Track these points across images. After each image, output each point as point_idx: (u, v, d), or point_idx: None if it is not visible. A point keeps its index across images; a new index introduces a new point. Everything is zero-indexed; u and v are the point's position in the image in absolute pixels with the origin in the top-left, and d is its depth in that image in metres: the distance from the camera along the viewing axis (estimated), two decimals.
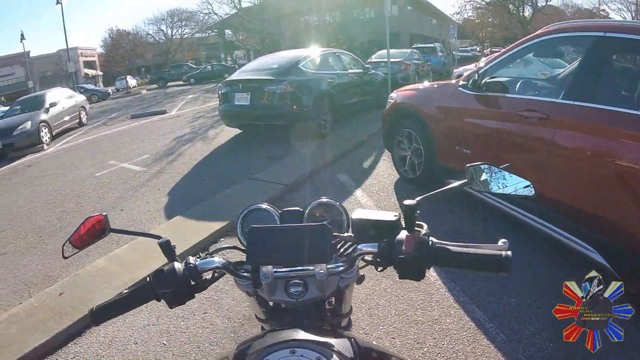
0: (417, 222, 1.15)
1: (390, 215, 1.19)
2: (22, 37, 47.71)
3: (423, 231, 1.13)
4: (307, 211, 1.44)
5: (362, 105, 11.16)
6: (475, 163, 1.26)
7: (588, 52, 3.83)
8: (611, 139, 3.38)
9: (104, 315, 1.15)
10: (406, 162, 5.95)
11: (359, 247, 1.16)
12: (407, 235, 1.09)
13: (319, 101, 9.05)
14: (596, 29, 3.86)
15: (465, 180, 1.28)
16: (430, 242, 1.08)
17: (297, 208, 1.45)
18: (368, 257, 1.18)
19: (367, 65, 12.45)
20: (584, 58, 3.91)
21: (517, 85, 4.63)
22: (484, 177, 1.27)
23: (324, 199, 1.46)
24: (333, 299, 1.28)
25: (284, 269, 1.16)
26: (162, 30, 63.43)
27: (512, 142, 4.29)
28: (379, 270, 1.17)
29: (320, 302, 1.21)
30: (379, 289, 3.65)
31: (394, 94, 6.33)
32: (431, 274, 3.78)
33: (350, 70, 10.86)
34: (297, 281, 1.17)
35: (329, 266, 1.12)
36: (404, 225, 1.16)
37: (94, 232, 1.38)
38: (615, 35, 3.67)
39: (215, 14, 49.73)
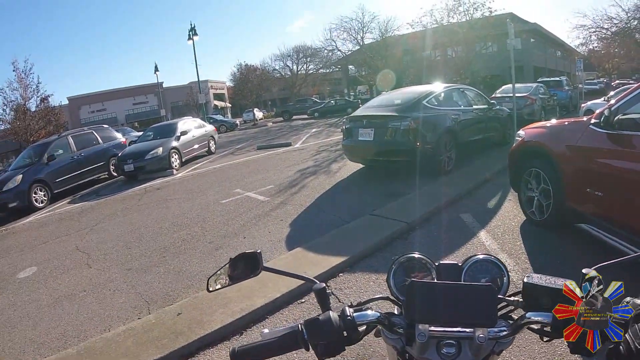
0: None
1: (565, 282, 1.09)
2: (156, 69, 51.85)
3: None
4: (466, 267, 1.35)
5: (487, 142, 10.91)
6: None
7: None
8: None
9: (245, 357, 1.08)
10: (533, 204, 5.71)
11: (527, 314, 1.10)
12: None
13: (443, 138, 8.97)
14: None
15: None
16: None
17: (455, 262, 1.37)
18: (535, 326, 1.11)
19: (491, 101, 12.19)
20: None
21: None
22: None
23: (484, 255, 1.36)
24: None
25: (441, 329, 1.10)
26: (287, 65, 66.20)
27: None
28: (544, 340, 1.10)
29: None
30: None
31: (521, 132, 6.13)
32: None
33: (474, 106, 10.67)
34: (451, 342, 1.12)
35: (492, 330, 1.08)
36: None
37: (245, 268, 1.38)
38: None
39: (339, 50, 51.35)
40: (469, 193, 7.74)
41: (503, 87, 19.46)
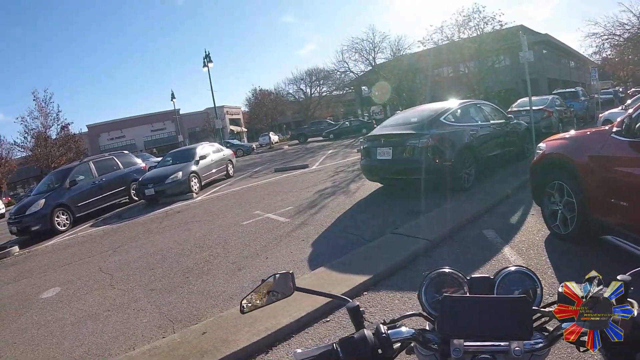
0: (628, 300, 1.06)
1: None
2: (173, 96, 52.54)
3: (635, 310, 1.02)
4: (498, 280, 1.34)
5: (506, 156, 10.86)
6: None
7: None
8: None
9: None
10: (557, 217, 5.62)
11: (563, 325, 1.06)
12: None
13: (461, 154, 8.97)
14: None
15: None
16: (610, 317, 0.99)
17: (487, 275, 1.37)
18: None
19: (509, 115, 12.15)
20: None
21: None
22: None
23: (517, 267, 1.36)
24: None
25: (476, 343, 1.09)
26: (301, 89, 66.97)
27: None
28: (581, 350, 1.07)
29: None
30: None
31: (542, 144, 6.07)
32: None
33: (492, 121, 10.65)
34: (487, 356, 1.09)
35: (527, 343, 1.08)
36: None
37: (278, 289, 1.37)
38: None
39: (352, 71, 51.62)
40: (490, 209, 7.67)
41: (519, 100, 19.44)
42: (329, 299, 1.32)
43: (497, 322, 1.05)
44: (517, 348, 1.05)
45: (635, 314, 1.01)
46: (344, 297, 1.29)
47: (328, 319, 4.43)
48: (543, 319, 1.22)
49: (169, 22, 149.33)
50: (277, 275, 1.38)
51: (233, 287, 5.76)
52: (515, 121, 11.97)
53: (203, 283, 6.11)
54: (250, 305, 1.38)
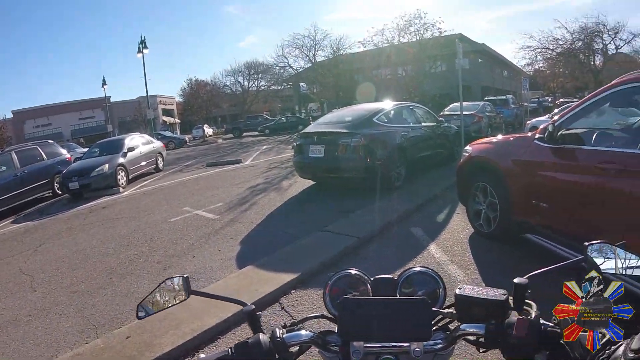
0: (526, 301, 1.11)
1: (498, 294, 1.13)
2: (104, 83, 50.45)
3: (533, 312, 1.07)
4: (401, 281, 1.35)
5: (436, 158, 11.13)
6: (593, 242, 1.15)
7: None
8: None
9: None
10: (481, 216, 5.86)
11: (462, 326, 1.11)
12: (518, 319, 1.02)
13: (393, 154, 9.13)
14: None
15: (582, 257, 1.15)
16: (543, 327, 1.01)
17: (390, 276, 1.36)
18: (471, 337, 1.12)
19: (440, 119, 12.47)
20: None
21: (594, 137, 4.53)
22: (600, 256, 1.14)
23: (420, 268, 1.37)
24: None
25: (376, 345, 1.09)
26: (239, 81, 65.49)
27: (590, 196, 4.22)
28: (481, 351, 1.12)
29: None
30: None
31: (468, 147, 6.31)
32: None
33: (423, 124, 10.91)
34: (389, 357, 1.09)
35: (427, 343, 1.09)
36: (512, 305, 1.10)
37: (173, 293, 1.35)
38: None
39: (291, 67, 51.40)
40: (419, 208, 7.85)
41: (451, 105, 19.96)
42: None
43: (397, 324, 1.05)
44: (417, 349, 1.06)
45: (533, 315, 1.04)
46: (240, 301, 1.27)
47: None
48: (446, 320, 1.23)
49: (103, 3, 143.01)
50: (173, 279, 1.36)
51: None
52: (446, 124, 12.32)
53: (127, 284, 5.88)
54: (146, 310, 1.33)
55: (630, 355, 0.78)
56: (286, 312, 4.39)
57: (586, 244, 1.15)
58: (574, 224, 4.42)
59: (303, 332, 1.16)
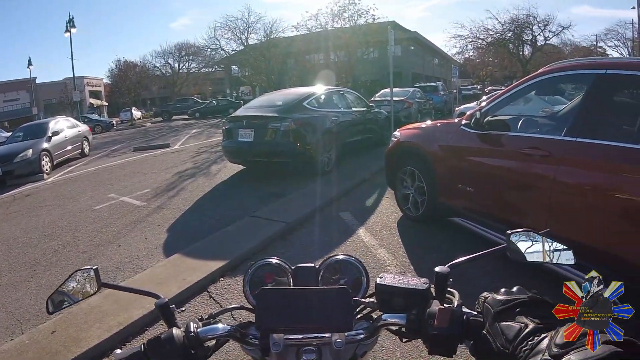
0: (449, 290, 1.08)
1: (420, 283, 1.07)
2: (29, 63, 48.56)
3: (455, 301, 1.05)
4: (322, 268, 1.32)
5: (366, 143, 11.22)
6: (515, 230, 1.16)
7: (590, 89, 3.92)
8: (615, 174, 3.46)
9: None
10: (409, 200, 5.95)
11: (383, 316, 1.08)
12: (439, 308, 0.99)
13: (322, 139, 9.10)
14: (598, 67, 3.99)
15: (504, 245, 1.16)
16: (465, 316, 0.98)
17: (312, 264, 1.33)
18: (393, 327, 1.09)
19: (370, 104, 12.58)
20: (586, 95, 4.00)
21: (519, 123, 4.70)
22: (523, 244, 1.15)
23: (342, 256, 1.34)
24: None
25: (297, 336, 1.06)
26: (169, 63, 63.42)
27: (515, 180, 4.35)
28: (403, 341, 1.09)
29: None
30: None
31: (397, 133, 6.37)
32: None
33: (354, 109, 10.95)
34: (311, 348, 1.07)
35: (349, 334, 1.06)
36: (434, 294, 1.07)
37: (83, 286, 1.27)
38: (617, 72, 3.81)
39: (223, 49, 50.21)
40: (348, 192, 7.90)
41: (382, 91, 20.21)
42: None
43: (317, 314, 1.00)
44: (338, 340, 1.03)
45: (455, 305, 1.01)
46: (152, 293, 1.19)
47: (183, 309, 4.19)
48: (367, 309, 1.19)
49: None
50: (82, 271, 1.25)
51: None
52: (376, 110, 12.47)
53: (52, 276, 5.53)
54: (54, 304, 1.25)
55: (555, 350, 0.75)
56: (215, 300, 4.30)
57: (508, 232, 1.15)
58: (499, 208, 4.57)
59: (220, 325, 1.11)
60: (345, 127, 10.12)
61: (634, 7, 39.27)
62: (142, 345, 1.03)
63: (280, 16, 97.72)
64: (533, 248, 1.14)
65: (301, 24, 36.50)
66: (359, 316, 1.18)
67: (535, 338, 0.83)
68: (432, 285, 1.08)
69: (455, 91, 31.24)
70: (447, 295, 1.07)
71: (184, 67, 63.26)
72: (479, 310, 0.99)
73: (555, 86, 5.62)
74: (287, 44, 40.24)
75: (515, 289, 0.96)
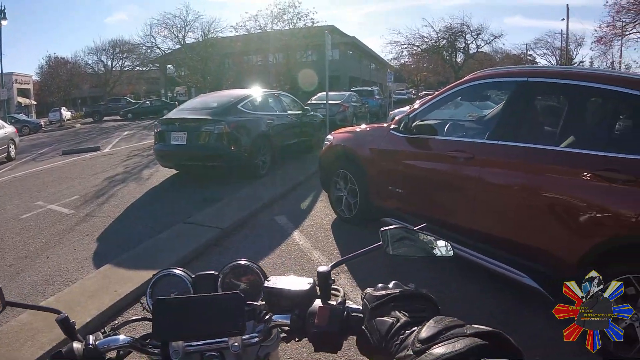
0: (333, 287, 1.11)
1: (304, 283, 1.11)
2: None
3: (339, 298, 1.08)
4: (222, 275, 1.35)
5: (301, 146, 11.29)
6: (390, 227, 1.20)
7: (512, 95, 4.22)
8: (533, 174, 3.71)
9: None
10: (342, 202, 6.07)
11: (273, 317, 1.11)
12: (319, 307, 1.02)
13: (257, 142, 9.08)
14: (519, 75, 4.29)
15: (380, 243, 1.19)
16: (345, 313, 1.01)
17: (212, 272, 1.36)
18: (284, 327, 1.11)
19: (306, 107, 12.66)
20: (508, 101, 4.32)
21: (446, 128, 4.97)
22: (399, 239, 1.20)
23: (241, 261, 1.37)
24: None
25: (196, 343, 1.08)
26: (102, 60, 60.69)
27: (442, 181, 4.55)
28: (296, 340, 1.10)
29: None
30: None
31: (330, 136, 6.52)
32: None
33: (289, 112, 10.99)
34: (213, 354, 1.10)
35: (244, 337, 1.08)
36: (318, 293, 1.09)
37: None
38: (537, 80, 4.09)
39: (158, 47, 48.47)
40: (284, 196, 7.92)
41: (318, 94, 20.35)
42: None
43: (212, 320, 1.02)
44: (235, 343, 1.05)
45: (338, 302, 1.04)
46: (53, 308, 1.19)
47: (116, 322, 4.07)
48: (263, 312, 1.20)
49: None
50: None
51: (13, 295, 4.85)
52: (312, 113, 12.56)
53: None
54: None
55: (417, 345, 0.74)
56: (148, 311, 4.15)
57: (382, 229, 1.19)
58: (428, 208, 4.76)
59: (120, 337, 1.12)
60: (281, 130, 10.13)
61: (563, 19, 41.84)
62: None
63: (219, 16, 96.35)
64: (409, 243, 1.19)
65: (240, 25, 36.44)
66: (256, 320, 1.19)
67: (406, 332, 0.83)
68: (317, 285, 1.11)
69: (391, 95, 31.80)
70: (333, 293, 1.10)
71: (118, 65, 60.83)
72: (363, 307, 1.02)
73: (480, 93, 5.89)
74: (225, 45, 39.68)
75: (391, 284, 0.98)
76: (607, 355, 3.02)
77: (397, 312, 0.90)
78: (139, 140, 20.05)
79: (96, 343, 1.07)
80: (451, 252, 1.17)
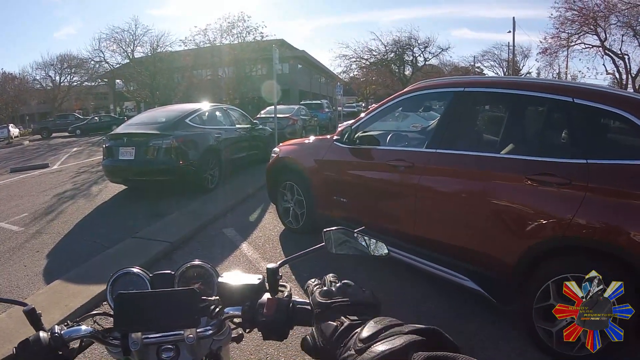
0: (280, 284, 1.18)
1: (254, 279, 1.20)
2: None
3: (286, 292, 1.16)
4: (178, 274, 1.42)
5: (250, 159, 11.33)
6: (331, 228, 1.29)
7: (449, 105, 4.39)
8: (471, 180, 3.90)
9: None
10: (290, 213, 6.17)
11: (225, 310, 1.16)
12: (268, 299, 1.11)
13: (206, 156, 9.07)
14: (456, 85, 4.47)
15: (323, 244, 1.28)
16: (291, 304, 1.10)
17: (169, 271, 1.44)
18: (236, 320, 1.19)
19: (254, 121, 12.70)
20: (445, 111, 4.51)
21: (388, 138, 5.21)
22: (340, 240, 1.30)
23: (196, 262, 1.45)
24: None
25: (153, 335, 1.15)
26: (49, 76, 58.53)
27: (384, 190, 4.70)
28: (246, 331, 1.19)
29: None
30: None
31: (277, 149, 6.62)
32: None
33: (238, 125, 11.03)
34: (169, 346, 1.16)
35: (198, 330, 1.14)
36: (267, 288, 1.18)
37: None
38: (473, 90, 4.30)
39: (107, 62, 46.81)
40: (232, 209, 7.95)
41: (268, 107, 20.41)
42: None
43: (169, 314, 1.09)
44: (190, 336, 1.12)
45: (286, 294, 1.15)
46: (20, 301, 1.24)
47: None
48: (215, 307, 1.25)
49: None
50: None
51: None
52: (260, 127, 12.64)
53: None
54: None
55: (359, 345, 0.78)
56: (99, 325, 4.11)
57: (325, 230, 1.28)
58: (371, 216, 4.90)
59: (83, 327, 1.17)
60: (229, 144, 10.15)
61: (509, 31, 43.39)
62: (14, 349, 1.09)
63: (168, 30, 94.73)
64: (349, 244, 1.29)
65: (189, 39, 35.79)
66: (212, 315, 1.23)
67: (350, 335, 0.86)
68: (266, 282, 1.20)
69: (340, 108, 32.33)
70: (279, 288, 1.18)
71: (66, 80, 59.06)
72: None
73: (420, 103, 6.11)
74: (174, 59, 39.10)
75: (336, 286, 1.05)
76: (553, 354, 3.16)
77: (341, 315, 0.95)
78: (87, 156, 19.58)
79: (62, 332, 1.12)
80: (386, 251, 1.29)
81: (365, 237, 1.30)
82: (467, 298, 4.12)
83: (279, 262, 1.21)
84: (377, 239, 1.30)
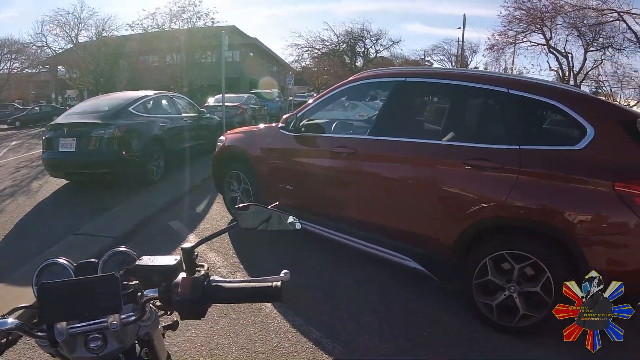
0: (198, 264, 1.19)
1: (170, 260, 1.21)
2: None
3: (203, 271, 1.18)
4: (102, 262, 1.44)
5: (197, 149, 11.08)
6: (243, 204, 1.35)
7: (391, 94, 4.53)
8: (410, 165, 4.06)
9: None
10: (237, 203, 6.05)
11: (145, 292, 1.17)
12: (182, 278, 1.13)
13: (150, 146, 8.81)
14: (399, 75, 4.63)
15: (236, 222, 1.35)
16: (205, 282, 1.13)
17: (93, 260, 1.45)
18: (157, 302, 1.19)
19: (202, 110, 12.46)
20: (387, 100, 4.64)
21: (333, 126, 5.31)
22: (253, 217, 1.36)
23: (120, 248, 1.47)
24: (147, 349, 1.26)
25: (79, 325, 1.13)
26: None
27: (329, 176, 4.76)
28: (168, 314, 1.21)
29: (130, 354, 1.20)
30: (218, 329, 3.69)
31: (222, 137, 6.56)
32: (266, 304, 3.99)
33: (184, 114, 10.75)
34: (96, 335, 1.14)
35: (122, 316, 1.12)
36: (184, 268, 1.18)
37: None
38: (415, 80, 4.45)
39: (49, 47, 44.37)
40: (179, 200, 7.80)
41: (216, 96, 20.16)
42: None
43: (91, 301, 1.08)
44: (114, 322, 1.09)
45: (202, 273, 1.17)
46: None
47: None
48: (136, 292, 1.26)
49: None
50: None
51: None
52: (208, 115, 12.44)
53: None
54: None
55: None
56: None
57: (237, 206, 1.35)
58: (316, 202, 4.98)
59: (9, 320, 1.14)
60: (175, 133, 9.92)
61: (460, 27, 44.68)
62: None
63: (115, 13, 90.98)
64: (262, 219, 1.36)
65: (137, 23, 34.80)
66: (137, 299, 1.23)
67: None
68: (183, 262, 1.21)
69: (291, 97, 32.44)
70: (197, 268, 1.19)
71: (5, 67, 56.06)
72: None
73: (364, 92, 6.16)
74: (120, 44, 37.85)
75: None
76: (494, 326, 3.44)
77: None
78: (27, 150, 18.77)
79: None
80: (299, 226, 1.36)
81: (279, 213, 1.36)
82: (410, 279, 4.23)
83: (194, 243, 1.22)
84: (291, 215, 1.38)
